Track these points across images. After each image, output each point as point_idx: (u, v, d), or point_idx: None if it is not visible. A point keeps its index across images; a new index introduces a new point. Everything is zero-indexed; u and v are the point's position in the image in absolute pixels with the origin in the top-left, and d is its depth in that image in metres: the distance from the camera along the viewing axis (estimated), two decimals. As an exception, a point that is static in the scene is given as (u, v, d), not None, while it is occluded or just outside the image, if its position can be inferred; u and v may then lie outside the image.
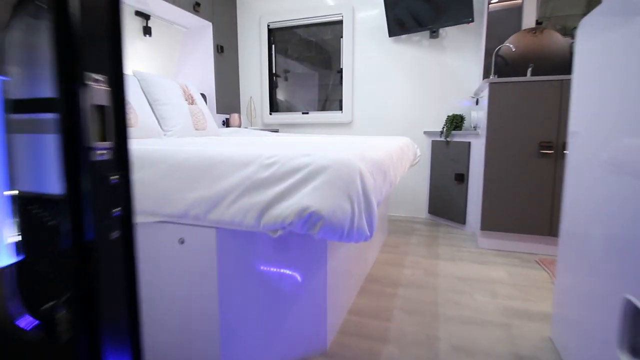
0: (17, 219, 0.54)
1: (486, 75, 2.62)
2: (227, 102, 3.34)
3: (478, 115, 2.62)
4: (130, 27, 2.68)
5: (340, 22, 3.10)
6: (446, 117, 2.82)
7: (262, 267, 1.09)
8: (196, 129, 2.35)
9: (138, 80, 2.21)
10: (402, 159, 1.79)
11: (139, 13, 2.70)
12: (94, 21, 0.47)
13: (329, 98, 3.31)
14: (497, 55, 2.57)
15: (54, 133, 0.46)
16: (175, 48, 3.15)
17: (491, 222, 2.21)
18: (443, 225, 2.81)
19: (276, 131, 3.43)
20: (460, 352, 1.24)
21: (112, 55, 0.50)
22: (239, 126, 3.26)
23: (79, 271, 0.47)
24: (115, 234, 0.50)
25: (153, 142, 1.43)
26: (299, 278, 1.17)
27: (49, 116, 0.48)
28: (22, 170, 0.54)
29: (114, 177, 0.50)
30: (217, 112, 3.20)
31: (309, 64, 3.36)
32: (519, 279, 1.81)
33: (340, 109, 3.21)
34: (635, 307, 0.73)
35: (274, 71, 3.43)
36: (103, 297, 0.49)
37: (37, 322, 0.53)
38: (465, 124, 2.77)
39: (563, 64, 2.44)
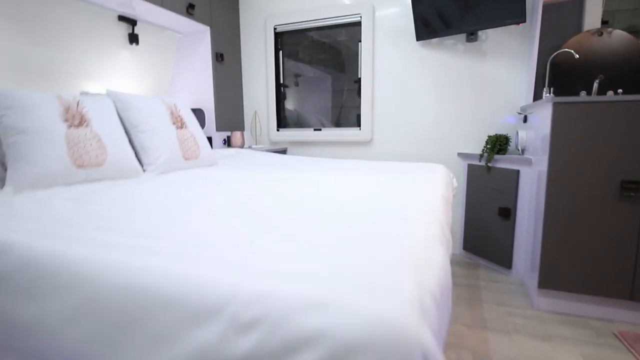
0: None
1: (539, 86, 2.14)
2: (229, 118, 2.93)
3: (527, 136, 2.14)
4: (113, 34, 2.29)
5: (358, 24, 2.65)
6: (487, 137, 2.34)
7: None
8: (186, 159, 1.95)
9: (113, 101, 1.81)
10: (447, 212, 1.35)
11: (123, 18, 2.31)
12: None
13: (345, 105, 2.86)
14: (552, 63, 2.08)
15: None
16: (168, 56, 2.76)
17: (553, 279, 1.74)
18: (482, 267, 2.34)
19: (284, 151, 3.01)
20: None
21: None
22: (242, 146, 2.85)
23: None
24: None
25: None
26: None
27: None
28: None
29: None
30: (217, 130, 2.80)
31: (321, 67, 2.92)
32: (603, 372, 1.35)
33: (358, 124, 2.76)
34: None
35: (281, 81, 3.00)
36: None
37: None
38: (511, 145, 2.29)
39: (642, 75, 1.94)
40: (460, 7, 2.24)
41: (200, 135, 2.11)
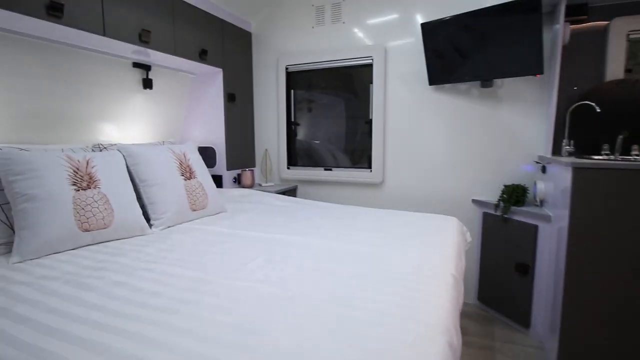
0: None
1: (558, 134, 2.05)
2: (240, 156, 2.94)
3: (546, 188, 2.05)
4: (128, 80, 2.33)
5: (369, 66, 2.63)
6: (502, 186, 2.26)
7: None
8: (193, 210, 1.94)
9: (123, 156, 1.83)
10: (460, 274, 1.29)
11: (137, 65, 2.35)
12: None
13: (358, 131, 2.81)
14: (573, 112, 2.00)
15: None
16: (182, 96, 2.79)
17: (575, 347, 1.63)
18: (498, 322, 2.23)
19: (294, 189, 2.99)
20: None
21: None
22: (252, 185, 2.84)
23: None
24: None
25: None
26: None
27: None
28: None
29: None
30: (228, 169, 2.80)
31: (334, 93, 2.89)
32: None
33: (369, 166, 2.71)
34: None
35: (292, 119, 3.00)
36: None
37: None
38: (528, 195, 2.20)
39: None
40: (474, 57, 2.19)
41: (209, 183, 2.11)
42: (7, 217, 1.45)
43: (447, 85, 2.42)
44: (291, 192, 2.95)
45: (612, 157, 1.88)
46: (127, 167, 1.83)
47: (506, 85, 2.28)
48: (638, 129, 1.91)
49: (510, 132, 2.30)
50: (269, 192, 2.68)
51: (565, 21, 1.96)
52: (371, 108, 2.67)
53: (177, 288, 1.07)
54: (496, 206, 2.22)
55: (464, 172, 2.45)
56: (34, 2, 1.52)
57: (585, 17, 2.02)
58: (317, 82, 2.91)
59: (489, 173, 2.37)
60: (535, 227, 2.02)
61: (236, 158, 2.89)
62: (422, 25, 2.31)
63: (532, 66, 2.00)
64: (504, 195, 2.19)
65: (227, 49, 2.72)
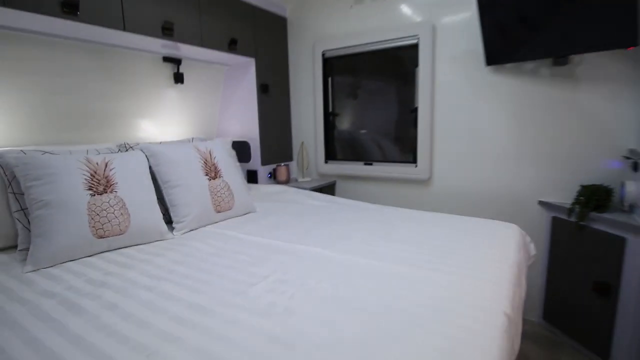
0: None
1: (657, 126, 1.61)
2: (275, 150, 2.80)
3: (638, 190, 1.63)
4: (159, 75, 2.27)
5: (415, 47, 2.30)
6: (579, 187, 1.86)
7: None
8: (218, 212, 1.84)
9: (146, 156, 1.76)
10: (516, 320, 1.01)
11: (167, 59, 2.28)
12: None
13: (401, 120, 2.53)
14: (680, 95, 1.55)
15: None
16: (216, 89, 2.71)
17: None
18: (567, 348, 1.87)
19: (333, 185, 2.79)
20: None
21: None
22: (287, 181, 2.69)
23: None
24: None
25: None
26: None
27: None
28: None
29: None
30: (263, 164, 2.68)
31: (375, 79, 2.61)
32: None
33: (414, 160, 2.42)
34: None
35: (330, 109, 2.78)
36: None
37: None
38: (614, 199, 1.78)
39: None
40: (546, 28, 1.79)
41: (236, 182, 1.99)
42: (28, 223, 1.44)
43: (509, 65, 2.03)
44: (329, 188, 2.76)
45: None
46: (150, 167, 1.76)
47: (586, 61, 1.84)
48: None
49: (591, 120, 1.87)
50: (304, 189, 2.51)
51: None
52: (417, 95, 2.35)
53: (169, 317, 0.94)
54: (570, 211, 1.83)
55: (529, 169, 2.06)
56: (48, 0, 1.46)
57: None
58: (356, 67, 2.64)
59: (562, 170, 1.97)
60: (622, 240, 1.62)
61: (271, 152, 2.75)
62: (479, -6, 1.94)
63: (624, 36, 1.56)
64: (581, 198, 1.80)
65: (260, 37, 2.56)
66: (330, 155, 2.81)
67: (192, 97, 2.52)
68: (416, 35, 2.27)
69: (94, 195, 1.45)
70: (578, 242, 1.82)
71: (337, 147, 2.81)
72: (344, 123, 2.79)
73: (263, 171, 2.70)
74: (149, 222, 1.57)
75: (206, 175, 1.86)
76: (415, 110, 2.38)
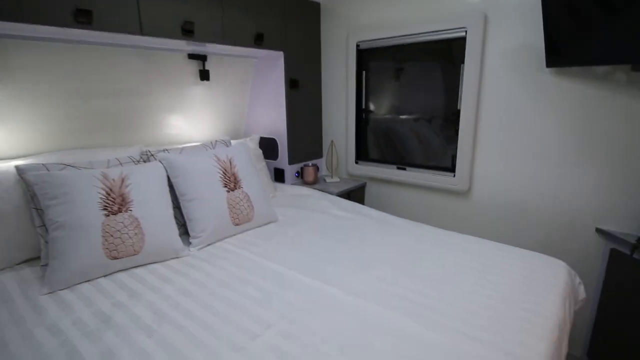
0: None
1: None
2: (304, 149, 2.67)
3: None
4: (184, 73, 2.20)
5: (462, 40, 2.01)
6: (649, 220, 1.56)
7: None
8: (236, 225, 1.78)
9: (164, 167, 1.72)
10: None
11: (193, 56, 2.19)
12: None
13: (446, 123, 2.29)
14: None
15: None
16: (245, 83, 2.60)
17: None
18: (616, 398, 1.66)
19: (362, 187, 2.63)
20: None
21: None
22: (314, 182, 2.58)
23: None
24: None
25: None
26: None
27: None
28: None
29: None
30: (290, 163, 2.58)
31: (420, 73, 2.35)
32: None
33: (452, 169, 2.19)
34: None
35: (364, 106, 2.57)
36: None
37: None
38: (693, 238, 1.48)
39: None
40: (628, 24, 1.44)
41: (257, 192, 1.91)
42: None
43: (575, 68, 1.71)
44: (358, 191, 2.61)
45: None
46: (169, 178, 1.72)
47: (678, 67, 1.49)
48: None
49: (676, 138, 1.54)
50: (331, 192, 2.39)
51: None
52: (460, 96, 2.08)
53: (159, 379, 0.90)
54: (635, 247, 1.56)
55: (588, 190, 1.78)
56: (60, 13, 1.40)
57: None
58: (394, 61, 2.39)
59: (630, 196, 1.67)
60: (700, 294, 1.35)
61: (299, 150, 2.64)
62: (543, -20, 1.61)
63: None
64: (650, 234, 1.52)
65: (290, 28, 2.38)
66: (361, 155, 2.63)
67: (219, 94, 2.44)
68: (463, 28, 1.97)
69: (109, 215, 1.43)
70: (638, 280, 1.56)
71: (370, 142, 2.62)
72: (382, 110, 2.56)
73: (290, 170, 2.60)
74: (163, 240, 1.54)
75: (225, 186, 1.79)
76: (457, 113, 2.12)
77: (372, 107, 2.56)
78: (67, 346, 1.02)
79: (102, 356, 0.98)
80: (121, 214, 1.46)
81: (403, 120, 2.44)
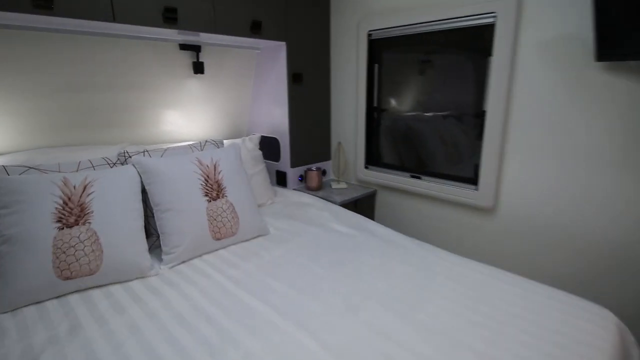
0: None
1: None
2: (308, 150, 2.43)
3: None
4: (175, 66, 2.01)
5: (490, 28, 1.68)
6: None
7: None
8: (216, 239, 1.57)
9: (138, 171, 1.53)
10: None
11: (185, 46, 1.99)
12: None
13: (467, 126, 1.97)
14: None
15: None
16: (247, 76, 2.38)
17: None
18: None
19: (372, 195, 2.36)
20: None
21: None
22: (318, 188, 2.33)
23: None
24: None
25: None
26: None
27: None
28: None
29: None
30: (292, 166, 2.35)
31: (439, 67, 2.03)
32: None
33: (474, 181, 1.87)
34: None
35: (375, 104, 2.28)
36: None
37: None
38: None
39: None
40: None
41: (243, 202, 1.69)
42: None
43: (633, 63, 1.35)
44: (367, 199, 2.34)
45: None
46: (143, 185, 1.53)
47: None
48: None
49: None
50: (334, 201, 2.14)
51: None
52: (486, 94, 1.76)
53: None
54: None
55: (644, 214, 1.43)
56: (10, -6, 1.23)
57: None
58: (412, 53, 2.08)
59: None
60: None
61: (304, 152, 2.40)
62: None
63: None
64: None
65: (293, 15, 2.12)
66: (371, 160, 2.35)
67: (216, 88, 2.23)
68: (492, 13, 1.65)
69: (63, 228, 1.26)
70: None
71: (382, 145, 2.33)
72: (397, 108, 2.26)
73: (293, 173, 2.36)
74: (126, 258, 1.35)
75: (205, 195, 1.58)
76: (482, 114, 1.79)
77: (385, 105, 2.27)
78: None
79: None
80: (77, 227, 1.28)
81: (424, 119, 2.13)
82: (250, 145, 2.16)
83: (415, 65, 2.08)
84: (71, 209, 1.30)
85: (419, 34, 1.95)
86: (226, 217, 1.61)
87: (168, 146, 1.87)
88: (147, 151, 1.70)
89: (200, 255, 1.54)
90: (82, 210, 1.31)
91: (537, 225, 1.71)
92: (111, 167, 1.57)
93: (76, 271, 1.25)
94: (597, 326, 1.06)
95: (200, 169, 1.62)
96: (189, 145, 1.83)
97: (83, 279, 1.26)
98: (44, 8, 1.29)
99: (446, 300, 1.20)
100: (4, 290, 1.16)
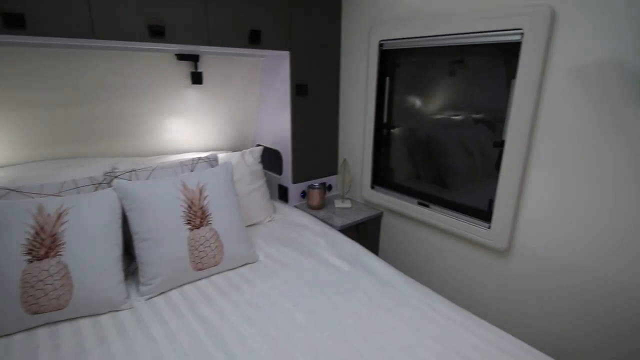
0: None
1: None
2: (312, 165, 2.29)
3: None
4: (173, 76, 1.92)
5: (516, 46, 1.44)
6: None
7: None
8: (198, 270, 1.50)
9: (118, 197, 1.46)
10: None
11: (182, 56, 1.89)
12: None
13: (484, 156, 1.76)
14: None
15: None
16: (250, 85, 2.26)
17: None
18: None
19: (379, 217, 2.20)
20: None
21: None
22: (320, 206, 2.20)
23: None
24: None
25: None
26: None
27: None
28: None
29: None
30: (294, 182, 2.22)
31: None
32: None
33: (488, 216, 1.66)
34: None
35: (385, 120, 2.09)
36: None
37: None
38: None
39: None
40: None
41: (229, 229, 1.60)
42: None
43: (690, 102, 1.10)
44: (372, 223, 2.18)
45: None
46: (124, 211, 1.47)
47: None
48: None
49: None
50: (334, 225, 2.00)
51: None
52: (507, 123, 1.53)
53: None
54: None
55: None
56: (-21, 16, 1.16)
57: None
58: (425, 68, 1.87)
59: None
60: None
61: (307, 167, 2.26)
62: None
63: None
64: None
65: (299, 23, 1.96)
66: (378, 180, 2.18)
67: (217, 99, 2.13)
68: (519, 30, 1.41)
69: (32, 261, 1.22)
70: None
71: (390, 163, 2.15)
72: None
73: (295, 189, 2.24)
74: (98, 291, 1.30)
75: (188, 223, 1.50)
76: (501, 144, 1.57)
77: (395, 122, 2.07)
78: None
79: None
80: (48, 259, 1.24)
81: (438, 139, 1.93)
82: (250, 160, 2.05)
83: (429, 81, 1.86)
84: (43, 239, 1.25)
85: (433, 47, 1.73)
86: (209, 247, 1.52)
87: (159, 162, 1.81)
88: (135, 170, 1.64)
89: (180, 286, 1.47)
90: (54, 241, 1.27)
91: (556, 276, 1.49)
92: (96, 189, 1.53)
93: (45, 306, 1.21)
94: None
95: (184, 194, 1.53)
96: (179, 162, 1.75)
97: (52, 313, 1.23)
98: (17, 27, 1.23)
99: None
100: (-29, 324, 1.14)
